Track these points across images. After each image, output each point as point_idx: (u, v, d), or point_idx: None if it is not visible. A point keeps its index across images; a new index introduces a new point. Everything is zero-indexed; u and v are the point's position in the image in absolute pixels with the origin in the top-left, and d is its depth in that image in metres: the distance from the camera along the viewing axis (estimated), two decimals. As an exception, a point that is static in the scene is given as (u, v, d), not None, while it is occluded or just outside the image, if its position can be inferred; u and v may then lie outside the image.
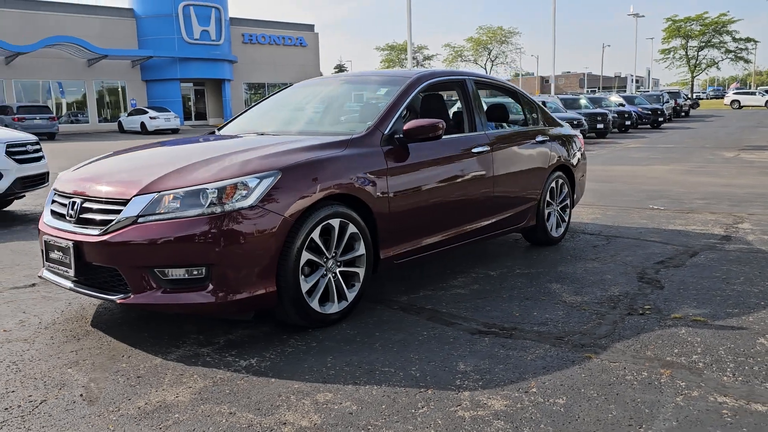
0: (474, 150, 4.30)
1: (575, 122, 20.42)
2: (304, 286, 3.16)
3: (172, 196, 2.97)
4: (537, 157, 5.04)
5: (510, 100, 5.64)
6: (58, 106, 37.65)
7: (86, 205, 3.19)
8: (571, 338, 3.15)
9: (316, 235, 3.18)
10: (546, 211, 5.20)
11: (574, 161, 5.63)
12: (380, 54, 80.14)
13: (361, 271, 3.48)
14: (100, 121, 38.00)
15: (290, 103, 4.77)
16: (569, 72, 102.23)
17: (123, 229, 2.95)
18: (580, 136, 5.99)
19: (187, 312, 3.05)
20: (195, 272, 2.91)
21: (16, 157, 6.90)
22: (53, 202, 3.47)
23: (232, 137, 4.10)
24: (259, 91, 44.31)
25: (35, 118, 27.83)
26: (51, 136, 27.88)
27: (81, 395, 2.54)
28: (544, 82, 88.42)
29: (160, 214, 2.94)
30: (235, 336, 3.23)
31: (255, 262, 2.96)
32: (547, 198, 5.21)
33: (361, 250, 3.46)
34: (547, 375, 2.69)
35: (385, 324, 3.40)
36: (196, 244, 2.88)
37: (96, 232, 3.04)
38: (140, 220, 2.94)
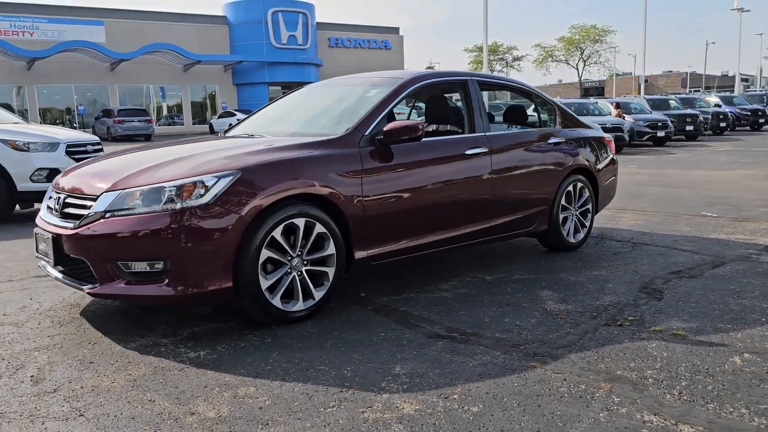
0: (468, 152, 4.23)
1: (659, 123, 19.44)
2: (264, 283, 3.24)
3: (137, 193, 3.14)
4: (549, 159, 4.88)
5: (530, 102, 5.48)
6: (159, 108, 40.20)
7: (68, 200, 3.43)
8: (527, 346, 3.04)
9: (277, 233, 3.26)
10: (560, 216, 5.02)
11: (599, 165, 5.39)
12: (469, 55, 79.48)
13: (330, 271, 3.52)
14: (193, 123, 40.14)
15: (295, 104, 4.86)
16: (671, 71, 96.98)
17: (91, 224, 3.16)
18: (609, 139, 5.73)
19: (149, 303, 3.20)
20: (155, 266, 3.06)
21: (76, 156, 7.45)
22: (50, 198, 3.74)
23: (222, 138, 4.26)
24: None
25: (133, 121, 29.79)
26: (147, 137, 29.76)
27: (31, 376, 2.74)
28: (643, 82, 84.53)
29: (124, 210, 3.11)
30: (201, 329, 3.36)
31: (210, 258, 3.08)
32: (563, 202, 5.02)
33: (331, 249, 3.49)
34: (478, 382, 2.62)
35: (350, 324, 3.42)
36: (154, 239, 3.02)
37: (71, 225, 3.27)
38: (107, 215, 3.13)
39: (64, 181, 3.67)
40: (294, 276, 3.38)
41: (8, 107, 30.65)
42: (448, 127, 4.97)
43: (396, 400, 2.47)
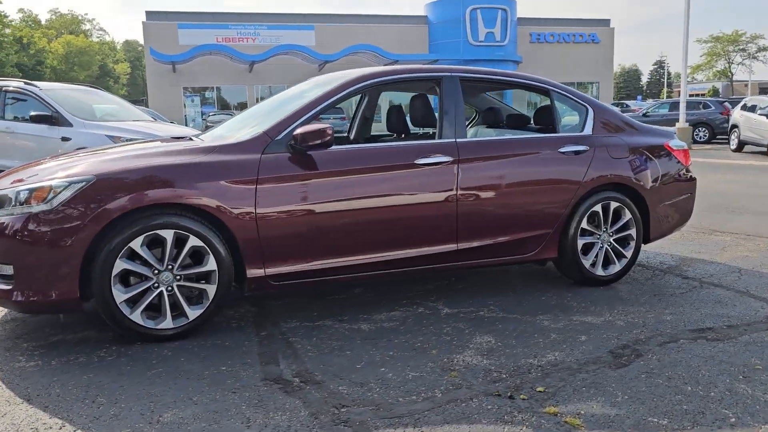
0: (420, 161, 3.57)
1: None
2: (120, 296, 3.04)
3: None
4: (558, 171, 3.95)
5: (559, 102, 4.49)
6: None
7: None
8: (353, 409, 2.42)
9: (136, 244, 3.03)
10: (579, 242, 4.05)
11: (651, 179, 4.25)
12: (701, 47, 70.87)
13: (210, 289, 3.20)
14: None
15: (269, 104, 4.52)
16: None
17: None
18: (678, 147, 4.49)
19: (6, 307, 3.17)
20: (4, 270, 3.03)
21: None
22: None
23: (165, 141, 4.11)
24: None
25: (329, 118, 31.74)
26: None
27: None
28: None
29: (-13, 212, 3.11)
30: (73, 337, 3.26)
31: (55, 265, 2.95)
32: (584, 225, 4.04)
33: (211, 265, 3.17)
34: (220, 449, 2.13)
35: (200, 350, 3.06)
36: (2, 242, 2.99)
37: None
38: None
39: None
40: (162, 291, 3.13)
41: (244, 106, 34.77)
42: (422, 132, 4.31)
43: (104, 455, 2.10)
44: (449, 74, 3.87)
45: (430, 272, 3.77)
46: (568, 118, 4.40)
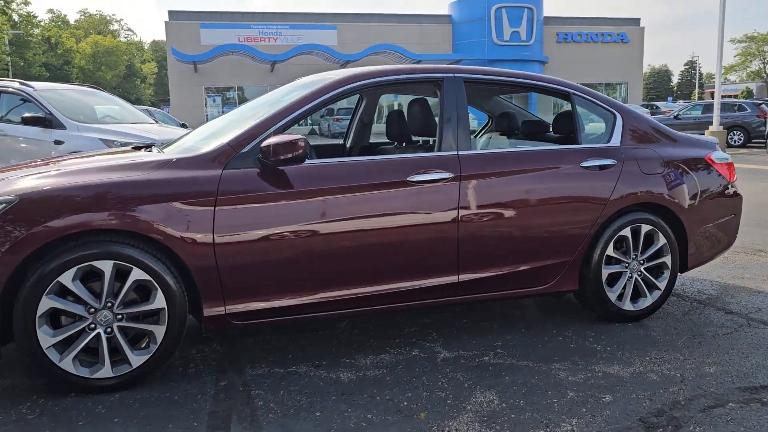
0: (414, 178, 3.01)
1: None
2: (46, 340, 2.54)
3: None
4: (579, 189, 3.36)
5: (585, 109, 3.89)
6: (390, 107, 41.74)
7: None
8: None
9: (67, 278, 2.53)
10: (604, 271, 3.46)
11: (689, 197, 3.64)
12: (735, 46, 68.86)
13: (158, 330, 2.69)
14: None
15: (242, 111, 3.99)
16: None
17: None
18: (722, 160, 3.87)
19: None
20: None
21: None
22: None
23: (124, 152, 3.60)
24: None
25: (344, 119, 31.32)
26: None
27: None
28: None
29: None
30: (10, 382, 2.78)
31: (-35, 303, 2.47)
32: (610, 251, 3.45)
33: (159, 302, 2.66)
34: None
35: (141, 406, 2.54)
36: None
37: None
38: None
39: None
40: (99, 333, 2.62)
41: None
42: (420, 143, 3.76)
43: None
44: (451, 75, 3.31)
45: (427, 308, 3.22)
46: (593, 125, 3.79)
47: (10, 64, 42.94)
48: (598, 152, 3.48)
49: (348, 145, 4.60)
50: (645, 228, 3.52)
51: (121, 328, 2.65)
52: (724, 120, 19.72)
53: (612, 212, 3.42)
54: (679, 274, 3.76)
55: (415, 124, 3.50)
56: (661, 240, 3.57)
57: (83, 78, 58.45)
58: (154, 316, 2.70)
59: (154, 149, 3.39)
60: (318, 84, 3.12)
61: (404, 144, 4.03)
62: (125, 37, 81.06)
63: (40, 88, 7.96)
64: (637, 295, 3.59)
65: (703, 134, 13.42)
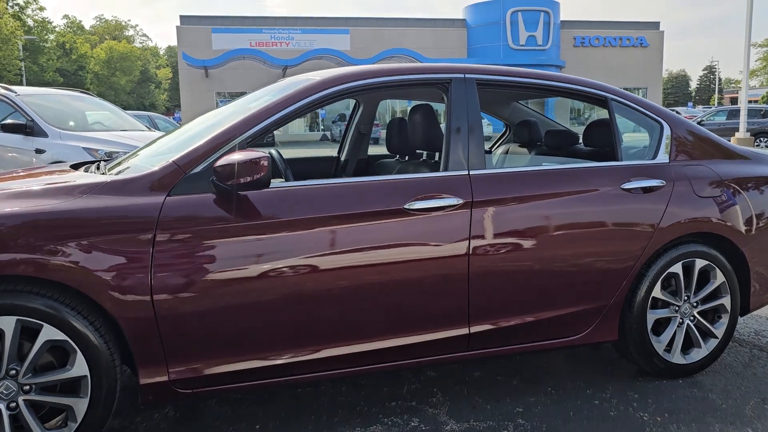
0: (412, 206, 2.38)
1: None
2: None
3: None
4: (620, 215, 2.71)
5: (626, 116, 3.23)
6: (393, 113, 41.16)
7: None
8: None
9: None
10: (649, 317, 2.81)
11: (754, 227, 2.98)
12: (756, 51, 67.45)
13: (79, 404, 2.09)
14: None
15: (208, 119, 3.37)
16: None
17: None
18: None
19: None
20: None
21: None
22: None
23: (60, 171, 2.99)
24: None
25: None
26: (375, 141, 30.54)
27: None
28: None
29: None
30: None
31: None
32: (657, 292, 2.80)
33: (78, 369, 2.06)
34: None
35: None
36: None
37: None
38: None
39: None
40: (1, 410, 2.02)
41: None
42: (424, 157, 3.14)
43: None
44: (461, 76, 2.67)
45: (429, 365, 2.59)
46: (632, 136, 3.13)
47: (23, 69, 42.94)
48: (642, 170, 2.83)
49: (342, 159, 3.98)
50: (699, 263, 2.87)
51: (28, 403, 2.04)
52: (751, 126, 18.90)
53: (660, 245, 2.77)
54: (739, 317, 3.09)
55: (417, 135, 2.88)
56: (719, 277, 2.91)
57: (97, 83, 58.59)
58: (73, 385, 2.09)
59: (96, 167, 2.78)
60: (295, 87, 2.50)
61: (407, 158, 3.41)
62: (140, 43, 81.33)
63: (23, 93, 7.44)
64: (689, 345, 2.93)
65: (729, 141, 12.67)
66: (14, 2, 45.82)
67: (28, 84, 41.87)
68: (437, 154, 2.99)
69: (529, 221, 2.56)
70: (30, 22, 48.75)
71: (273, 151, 3.09)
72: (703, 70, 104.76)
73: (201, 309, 2.15)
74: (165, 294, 2.10)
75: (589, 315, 2.72)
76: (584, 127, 3.30)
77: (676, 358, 2.89)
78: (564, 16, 39.63)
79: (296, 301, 2.25)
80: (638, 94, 42.04)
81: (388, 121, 3.75)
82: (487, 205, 2.49)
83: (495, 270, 2.50)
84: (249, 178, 2.11)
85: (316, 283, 2.26)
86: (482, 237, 2.46)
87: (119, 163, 2.69)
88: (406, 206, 2.38)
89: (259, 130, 2.33)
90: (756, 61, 70.29)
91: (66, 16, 74.91)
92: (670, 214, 2.78)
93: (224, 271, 2.16)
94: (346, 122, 4.03)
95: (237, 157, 2.14)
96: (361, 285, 2.32)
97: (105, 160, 3.05)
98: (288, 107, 2.39)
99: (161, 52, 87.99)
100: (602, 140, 3.16)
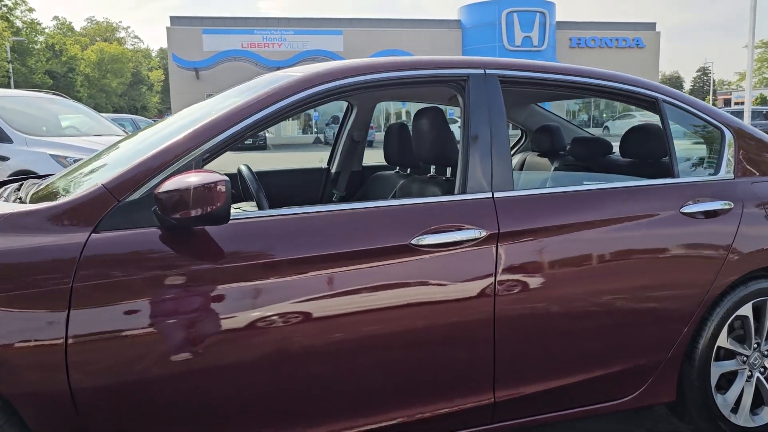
0: (423, 240, 1.83)
1: None
2: None
3: None
4: (678, 246, 2.17)
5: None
6: (398, 114, 40.47)
7: None
8: None
9: None
10: (714, 371, 2.26)
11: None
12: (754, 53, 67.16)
13: None
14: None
15: (167, 124, 2.81)
16: None
17: None
18: None
19: None
20: None
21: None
22: None
23: None
24: (585, 100, 40.94)
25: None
26: (369, 144, 29.88)
27: None
28: None
29: None
30: None
31: None
32: (723, 341, 2.26)
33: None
34: None
35: None
36: None
37: None
38: None
39: None
40: None
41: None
42: (432, 173, 2.58)
43: None
44: (480, 72, 2.11)
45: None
46: (684, 144, 2.59)
47: (11, 71, 42.12)
48: (702, 189, 2.28)
49: (333, 171, 3.42)
50: (773, 304, 2.32)
51: None
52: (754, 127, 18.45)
53: (727, 281, 2.23)
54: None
55: (424, 145, 2.32)
56: (798, 320, 2.36)
57: (88, 85, 57.86)
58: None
59: (16, 189, 2.21)
60: (270, 86, 1.93)
61: (408, 170, 2.86)
62: (132, 45, 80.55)
63: (-12, 95, 6.87)
64: (759, 402, 2.38)
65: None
66: (2, 3, 44.99)
67: (16, 86, 41.05)
68: (448, 169, 2.42)
69: (571, 258, 2.00)
70: (18, 24, 47.89)
71: (243, 168, 2.52)
72: (696, 72, 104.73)
73: (138, 388, 1.58)
74: (84, 369, 1.53)
75: (642, 372, 2.17)
76: (623, 134, 2.74)
77: (744, 419, 2.35)
78: (560, 17, 39.21)
79: (268, 373, 1.68)
80: (635, 95, 41.74)
81: (384, 125, 3.19)
82: (518, 237, 1.93)
83: (528, 322, 1.95)
84: (200, 210, 1.55)
85: (293, 347, 1.70)
86: (512, 280, 1.91)
87: (50, 185, 2.11)
88: (413, 242, 1.82)
89: (218, 143, 1.77)
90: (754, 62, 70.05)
91: (56, 18, 73.96)
92: (739, 243, 2.23)
93: (167, 336, 1.59)
94: (338, 128, 3.48)
95: (187, 180, 1.57)
96: (354, 346, 1.76)
97: (38, 179, 2.47)
98: (258, 112, 1.82)
99: (153, 54, 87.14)
100: (646, 150, 2.61)
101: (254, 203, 2.24)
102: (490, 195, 1.97)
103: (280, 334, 1.67)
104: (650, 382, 2.20)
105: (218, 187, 1.55)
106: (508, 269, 1.90)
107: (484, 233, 1.89)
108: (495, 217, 1.93)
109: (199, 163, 1.73)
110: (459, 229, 1.87)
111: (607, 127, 35.45)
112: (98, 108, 51.23)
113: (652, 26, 41.74)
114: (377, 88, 2.07)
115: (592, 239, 2.04)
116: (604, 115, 41.80)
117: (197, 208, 1.55)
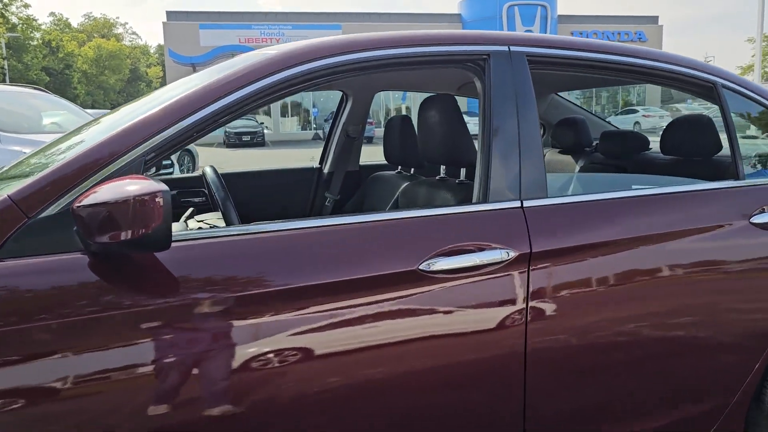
0: (434, 264, 1.41)
1: None
2: None
3: None
4: (745, 265, 1.75)
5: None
6: (398, 110, 40.01)
7: None
8: None
9: None
10: (786, 415, 1.86)
11: None
12: (753, 46, 66.73)
13: None
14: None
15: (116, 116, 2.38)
16: None
17: None
18: None
19: None
20: None
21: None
22: None
23: None
24: (586, 94, 40.49)
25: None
26: (369, 140, 29.51)
27: None
28: None
29: None
30: None
31: None
32: (799, 378, 1.85)
33: None
34: None
35: None
36: None
37: None
38: None
39: None
40: None
41: (266, 111, 33.07)
42: (442, 174, 2.15)
43: None
44: (504, 48, 1.68)
45: None
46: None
47: (6, 67, 41.61)
48: (780, 192, 1.86)
49: (326, 171, 3.01)
50: None
51: None
52: (764, 122, 18.06)
53: (805, 308, 1.81)
54: None
55: (432, 142, 1.90)
56: None
57: (86, 82, 57.42)
58: None
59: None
60: (240, 66, 1.52)
61: (412, 170, 2.44)
62: (130, 41, 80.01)
63: (-41, 90, 6.46)
64: (836, 451, 1.97)
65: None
66: (-3, 0, 44.47)
67: (12, 83, 40.62)
68: (462, 171, 2.00)
69: (622, 283, 1.58)
70: (14, 20, 47.36)
71: (208, 170, 2.10)
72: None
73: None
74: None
75: (702, 419, 1.75)
76: (666, 126, 2.32)
77: (821, 470, 1.93)
78: (561, 10, 38.72)
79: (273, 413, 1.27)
80: (636, 90, 41.27)
81: (383, 120, 2.78)
82: (556, 259, 1.52)
83: (563, 360, 1.53)
84: (129, 233, 1.13)
85: (272, 394, 1.29)
86: (547, 312, 1.49)
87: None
88: (422, 267, 1.40)
89: (166, 140, 1.35)
90: (753, 56, 69.65)
91: (53, 14, 73.43)
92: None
93: (99, 400, 1.18)
94: (331, 122, 3.06)
95: (116, 189, 1.15)
96: (349, 392, 1.34)
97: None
98: (220, 100, 1.41)
99: (152, 51, 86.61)
100: (696, 146, 2.19)
101: (219, 216, 1.83)
102: (518, 204, 1.55)
103: (252, 386, 1.26)
104: (714, 429, 1.78)
105: (156, 198, 1.13)
106: (543, 299, 1.49)
107: (512, 254, 1.48)
108: (526, 232, 1.51)
109: (140, 166, 1.31)
110: (480, 249, 1.46)
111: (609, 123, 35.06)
112: (96, 105, 50.82)
113: (654, 20, 41.25)
114: (376, 71, 1.64)
115: (647, 258, 1.62)
116: (606, 111, 41.34)
117: (128, 230, 1.13)
